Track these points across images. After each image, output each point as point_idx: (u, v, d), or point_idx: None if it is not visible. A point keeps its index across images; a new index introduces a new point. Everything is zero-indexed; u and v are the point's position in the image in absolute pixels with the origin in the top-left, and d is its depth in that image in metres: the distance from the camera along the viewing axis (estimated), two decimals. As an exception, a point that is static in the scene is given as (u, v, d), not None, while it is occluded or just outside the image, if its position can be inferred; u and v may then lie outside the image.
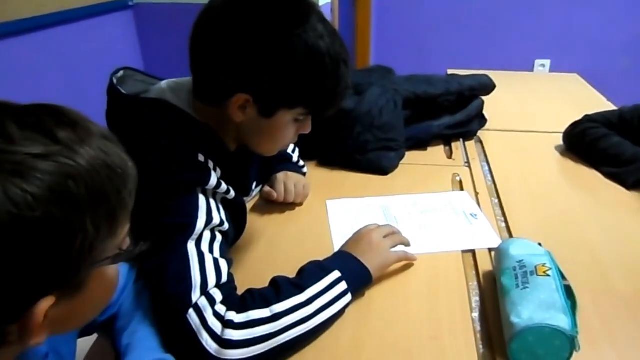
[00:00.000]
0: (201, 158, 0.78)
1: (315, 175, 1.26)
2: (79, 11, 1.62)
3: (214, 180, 0.77)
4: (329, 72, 0.76)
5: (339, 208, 1.11)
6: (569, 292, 0.74)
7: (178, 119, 0.78)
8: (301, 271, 0.79)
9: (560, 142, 1.39)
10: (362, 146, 1.27)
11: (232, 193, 0.83)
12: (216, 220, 0.76)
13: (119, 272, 0.52)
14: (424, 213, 1.08)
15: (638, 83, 2.95)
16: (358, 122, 1.28)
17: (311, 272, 0.78)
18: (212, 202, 0.78)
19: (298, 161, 1.20)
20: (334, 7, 1.99)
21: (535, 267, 0.77)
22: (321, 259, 0.83)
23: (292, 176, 1.14)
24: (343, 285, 0.77)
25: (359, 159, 1.27)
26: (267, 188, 1.10)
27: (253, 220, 1.05)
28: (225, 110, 0.77)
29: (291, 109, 0.79)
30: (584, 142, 1.29)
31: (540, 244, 0.85)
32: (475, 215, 1.07)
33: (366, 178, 1.25)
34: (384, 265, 0.86)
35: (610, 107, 1.61)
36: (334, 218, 1.07)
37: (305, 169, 1.22)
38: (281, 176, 1.13)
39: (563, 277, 0.77)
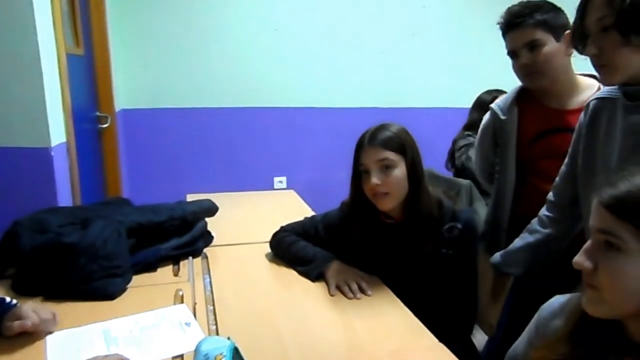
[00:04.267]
0: None
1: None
2: None
3: None
4: None
5: (59, 341, 1.15)
6: (242, 372, 0.95)
7: None
8: None
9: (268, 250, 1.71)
10: (88, 276, 1.36)
11: None
12: None
13: None
14: (144, 329, 1.21)
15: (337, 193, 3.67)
16: (82, 254, 1.38)
17: None
18: None
19: (11, 300, 1.22)
20: (69, 145, 2.10)
21: (215, 357, 0.97)
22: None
23: (31, 304, 1.19)
24: None
25: (85, 288, 1.35)
26: (16, 322, 1.11)
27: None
28: None
29: None
30: (281, 248, 1.63)
31: (229, 338, 1.06)
32: (189, 323, 1.24)
33: (94, 305, 1.32)
34: None
35: (309, 215, 2.02)
36: (53, 353, 1.10)
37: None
38: (27, 306, 1.16)
39: (241, 360, 0.99)
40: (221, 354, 0.97)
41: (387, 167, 1.38)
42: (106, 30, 2.90)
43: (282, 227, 1.68)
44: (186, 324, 1.24)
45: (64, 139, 2.05)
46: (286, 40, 3.61)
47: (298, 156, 3.76)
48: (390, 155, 1.38)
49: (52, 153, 1.90)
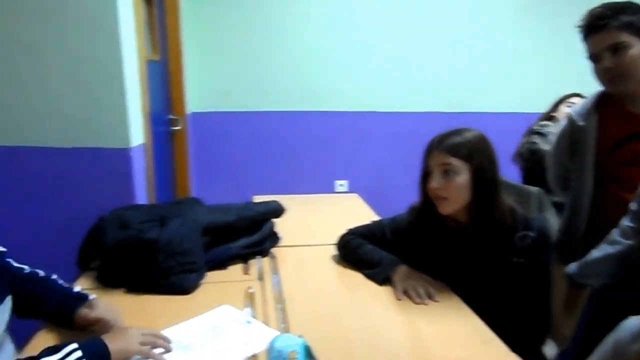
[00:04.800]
0: None
1: (123, 301, 1.37)
2: None
3: None
4: None
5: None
6: (313, 369, 0.98)
7: None
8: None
9: (335, 252, 1.73)
10: (165, 271, 1.44)
11: None
12: None
13: None
14: (210, 331, 1.21)
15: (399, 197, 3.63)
16: (161, 250, 1.46)
17: (48, 348, 0.93)
18: None
19: (86, 294, 1.25)
20: (147, 147, 2.22)
21: (288, 354, 1.00)
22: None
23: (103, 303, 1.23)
24: (78, 353, 0.92)
25: (163, 282, 1.43)
26: (85, 310, 1.16)
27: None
28: None
29: None
30: (348, 251, 1.65)
31: (300, 336, 1.09)
32: (250, 321, 1.25)
33: (169, 299, 1.40)
34: (125, 350, 1.00)
35: (374, 219, 2.03)
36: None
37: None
38: (100, 301, 1.21)
39: (313, 358, 1.01)
40: (294, 351, 1.00)
41: (448, 172, 1.37)
42: (180, 36, 3.03)
43: (349, 230, 1.70)
44: (247, 322, 1.25)
45: (142, 141, 2.16)
46: (350, 44, 3.64)
47: (360, 160, 3.78)
48: (454, 161, 1.37)
49: (131, 154, 2.02)
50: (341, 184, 3.77)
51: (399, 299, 1.41)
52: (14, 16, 1.86)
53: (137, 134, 2.11)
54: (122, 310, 1.29)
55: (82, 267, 1.61)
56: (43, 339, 1.17)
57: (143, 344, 1.04)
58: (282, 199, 1.91)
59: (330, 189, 3.74)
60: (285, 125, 3.66)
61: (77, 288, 1.26)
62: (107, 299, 1.36)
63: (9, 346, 1.14)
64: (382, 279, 1.50)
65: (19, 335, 1.19)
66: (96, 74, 1.92)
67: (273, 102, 3.61)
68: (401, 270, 1.49)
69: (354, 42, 3.64)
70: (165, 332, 1.17)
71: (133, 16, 2.04)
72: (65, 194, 2.02)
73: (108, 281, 1.48)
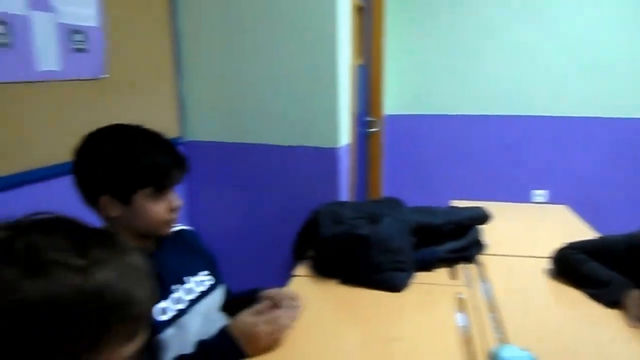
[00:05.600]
0: None
1: (337, 292, 1.48)
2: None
3: None
4: (131, 160, 1.01)
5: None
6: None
7: None
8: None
9: (549, 265, 1.61)
10: (377, 267, 1.50)
11: None
12: None
13: None
14: None
15: (618, 212, 3.19)
16: (374, 246, 1.52)
17: None
18: None
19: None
20: (352, 147, 2.34)
21: (519, 366, 0.96)
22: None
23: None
24: None
25: (375, 277, 1.49)
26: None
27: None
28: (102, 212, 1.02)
29: (139, 190, 1.02)
30: (567, 266, 1.51)
31: (526, 349, 1.04)
32: None
33: (380, 295, 1.45)
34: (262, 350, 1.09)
35: (591, 234, 1.84)
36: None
37: None
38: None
39: (544, 376, 0.96)
40: (525, 365, 0.96)
41: None
42: (383, 41, 3.13)
43: (568, 244, 1.56)
44: None
45: (348, 141, 2.28)
46: (554, 44, 3.36)
47: (562, 169, 3.46)
48: None
49: (339, 153, 2.15)
50: (539, 194, 3.50)
51: (634, 327, 1.25)
52: (251, 34, 2.12)
53: (344, 135, 2.23)
54: (337, 300, 1.41)
55: (298, 256, 1.76)
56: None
57: (271, 334, 1.10)
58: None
59: (525, 199, 3.49)
60: (480, 130, 3.53)
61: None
62: (322, 288, 1.50)
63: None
64: (611, 302, 1.35)
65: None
66: (314, 79, 2.08)
67: (468, 105, 3.52)
68: (636, 295, 1.32)
69: (558, 42, 3.35)
70: None
71: (349, 25, 2.16)
72: (280, 188, 2.23)
73: (323, 271, 1.59)
